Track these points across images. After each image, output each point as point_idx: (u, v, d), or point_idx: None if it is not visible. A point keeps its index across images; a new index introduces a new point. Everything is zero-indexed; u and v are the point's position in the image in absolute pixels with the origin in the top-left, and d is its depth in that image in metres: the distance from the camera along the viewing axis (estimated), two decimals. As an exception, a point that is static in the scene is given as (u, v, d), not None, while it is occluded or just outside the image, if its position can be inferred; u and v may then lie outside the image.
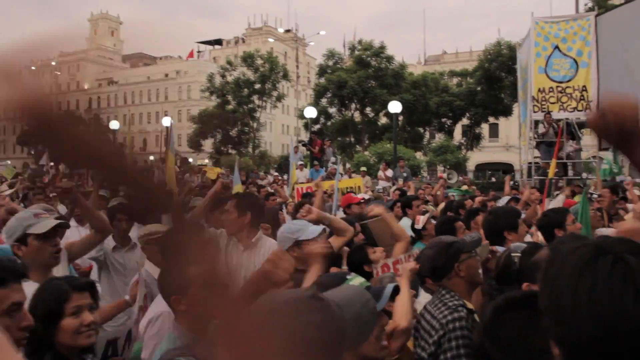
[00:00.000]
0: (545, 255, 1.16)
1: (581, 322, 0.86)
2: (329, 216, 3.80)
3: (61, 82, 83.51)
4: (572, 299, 0.88)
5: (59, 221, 2.69)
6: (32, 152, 47.79)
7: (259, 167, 29.16)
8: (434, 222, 4.76)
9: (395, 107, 19.30)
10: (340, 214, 7.34)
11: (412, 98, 32.43)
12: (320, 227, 3.39)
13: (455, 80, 39.43)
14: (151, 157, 36.43)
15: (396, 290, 2.20)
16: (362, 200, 6.53)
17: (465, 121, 36.85)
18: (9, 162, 49.30)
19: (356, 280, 2.26)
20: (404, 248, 3.88)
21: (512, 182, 13.44)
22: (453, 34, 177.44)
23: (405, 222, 5.45)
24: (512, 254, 2.61)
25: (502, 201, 6.01)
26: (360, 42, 34.98)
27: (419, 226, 4.75)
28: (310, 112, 22.67)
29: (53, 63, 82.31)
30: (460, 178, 17.99)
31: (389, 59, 34.28)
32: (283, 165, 50.08)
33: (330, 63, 36.12)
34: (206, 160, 44.53)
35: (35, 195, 6.85)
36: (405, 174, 16.12)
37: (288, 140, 78.50)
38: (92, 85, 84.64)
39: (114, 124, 28.98)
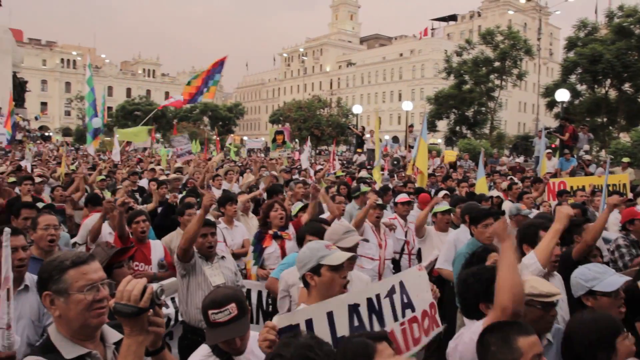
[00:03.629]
0: None
1: None
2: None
3: (307, 66, 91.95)
4: None
5: (351, 254, 2.77)
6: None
7: (499, 152, 28.05)
8: None
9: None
10: (614, 231, 6.15)
11: (690, 70, 27.50)
12: (622, 280, 2.84)
13: None
14: (386, 137, 37.98)
15: None
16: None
17: None
18: (262, 138, 56.51)
19: None
20: None
21: None
22: None
23: None
24: None
25: None
26: (621, 7, 30.64)
27: None
28: (563, 95, 20.59)
29: (301, 49, 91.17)
30: None
31: (659, 25, 29.44)
32: (519, 146, 47.40)
33: (582, 34, 32.55)
34: (439, 140, 44.64)
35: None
36: (685, 167, 13.79)
37: (525, 119, 73.72)
38: (333, 67, 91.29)
39: (357, 108, 30.82)
